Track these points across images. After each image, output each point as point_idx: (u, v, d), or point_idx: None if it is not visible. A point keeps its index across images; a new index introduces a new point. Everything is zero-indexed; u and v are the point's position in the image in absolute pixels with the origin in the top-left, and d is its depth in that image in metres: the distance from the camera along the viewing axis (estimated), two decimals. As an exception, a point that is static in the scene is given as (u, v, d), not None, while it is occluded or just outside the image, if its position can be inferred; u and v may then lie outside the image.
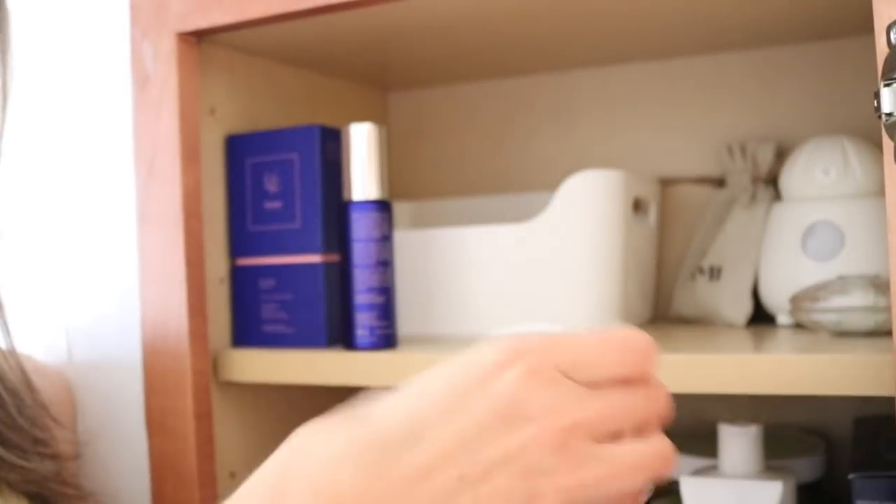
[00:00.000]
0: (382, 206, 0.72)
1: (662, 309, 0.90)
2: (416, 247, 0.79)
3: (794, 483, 0.69)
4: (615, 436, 0.39)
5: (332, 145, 0.76)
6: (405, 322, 0.80)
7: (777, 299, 0.77)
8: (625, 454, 0.39)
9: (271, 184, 0.77)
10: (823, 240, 0.74)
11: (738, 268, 0.80)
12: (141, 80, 0.75)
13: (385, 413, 0.39)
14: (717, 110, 0.89)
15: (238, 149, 0.78)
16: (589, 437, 0.38)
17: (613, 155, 0.93)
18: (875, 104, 0.45)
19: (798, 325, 0.76)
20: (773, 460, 0.74)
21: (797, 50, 0.85)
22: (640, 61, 0.92)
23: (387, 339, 0.72)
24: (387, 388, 0.40)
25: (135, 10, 0.75)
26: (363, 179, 0.71)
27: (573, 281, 0.73)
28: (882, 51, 0.50)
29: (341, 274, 0.72)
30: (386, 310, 0.72)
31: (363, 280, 0.71)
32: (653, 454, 0.40)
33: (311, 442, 0.39)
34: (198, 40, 0.76)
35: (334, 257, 0.76)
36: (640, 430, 0.40)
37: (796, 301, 0.67)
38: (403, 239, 0.79)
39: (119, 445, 0.90)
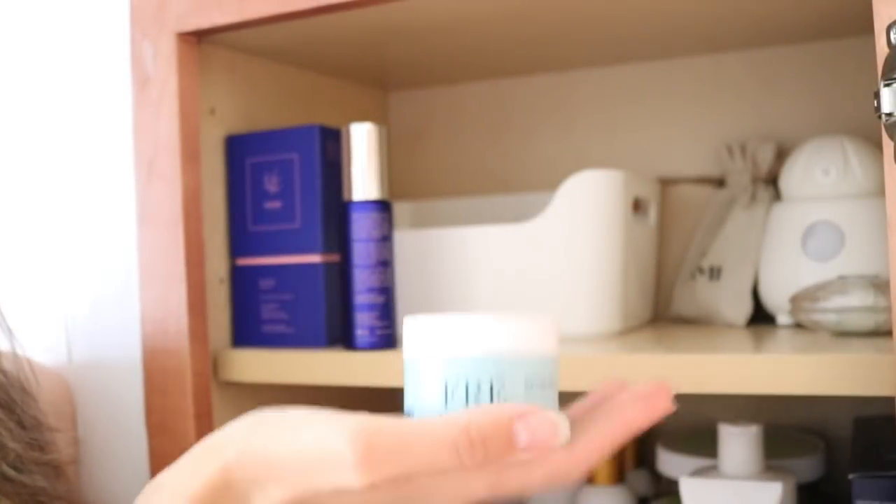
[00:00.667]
0: (382, 206, 0.72)
1: (662, 309, 0.90)
2: (416, 247, 0.79)
3: (794, 483, 0.69)
4: None
5: (332, 145, 0.76)
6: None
7: (777, 299, 0.77)
8: None
9: (271, 184, 0.77)
10: (823, 240, 0.74)
11: (738, 268, 0.80)
12: (141, 81, 0.75)
13: None
14: (717, 110, 0.89)
15: (238, 149, 0.79)
16: None
17: (613, 155, 0.93)
18: (875, 104, 0.45)
19: (798, 325, 0.76)
20: (772, 460, 0.74)
21: (797, 50, 0.85)
22: (640, 61, 0.92)
23: (387, 340, 0.72)
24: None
25: (135, 10, 0.75)
26: (363, 179, 0.71)
27: (573, 281, 0.73)
28: (882, 51, 0.50)
29: (341, 274, 0.72)
30: (386, 310, 0.72)
31: (363, 280, 0.71)
32: None
33: None
34: (198, 40, 0.76)
35: (334, 257, 0.76)
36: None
37: (796, 301, 0.67)
38: (403, 239, 0.79)
39: (119, 446, 0.90)
